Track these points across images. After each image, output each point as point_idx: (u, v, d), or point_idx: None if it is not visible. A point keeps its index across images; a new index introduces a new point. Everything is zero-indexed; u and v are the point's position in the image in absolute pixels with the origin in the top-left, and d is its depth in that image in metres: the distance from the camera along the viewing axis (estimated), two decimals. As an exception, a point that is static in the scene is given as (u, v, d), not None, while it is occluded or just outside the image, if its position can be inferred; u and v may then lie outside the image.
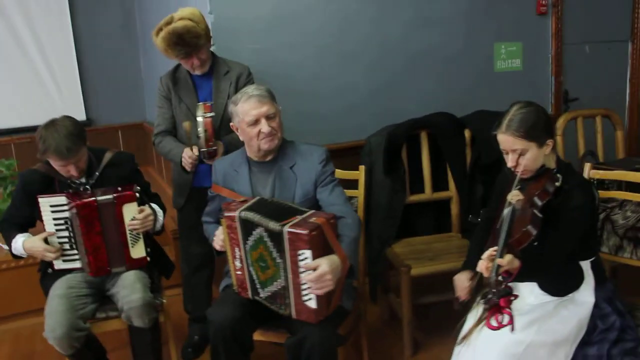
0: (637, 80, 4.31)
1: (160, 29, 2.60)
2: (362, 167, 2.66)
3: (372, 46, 3.51)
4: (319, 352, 1.95)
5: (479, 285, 2.07)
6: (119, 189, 2.41)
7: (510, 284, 1.89)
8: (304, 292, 1.96)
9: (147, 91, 5.36)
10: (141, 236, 2.46)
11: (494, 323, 1.85)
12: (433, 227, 3.22)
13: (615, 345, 1.94)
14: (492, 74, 3.85)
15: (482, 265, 1.87)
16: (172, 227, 3.53)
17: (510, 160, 2.00)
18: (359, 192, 2.64)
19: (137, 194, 2.43)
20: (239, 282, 2.13)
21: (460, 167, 3.10)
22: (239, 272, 2.11)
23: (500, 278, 1.83)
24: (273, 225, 1.94)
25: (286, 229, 1.90)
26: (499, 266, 1.82)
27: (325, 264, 1.90)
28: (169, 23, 2.58)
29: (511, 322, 1.81)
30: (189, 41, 2.57)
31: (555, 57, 4.00)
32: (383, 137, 3.01)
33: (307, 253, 1.90)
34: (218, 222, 2.33)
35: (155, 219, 2.49)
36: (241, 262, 2.08)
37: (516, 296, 1.85)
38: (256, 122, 2.19)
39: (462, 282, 2.15)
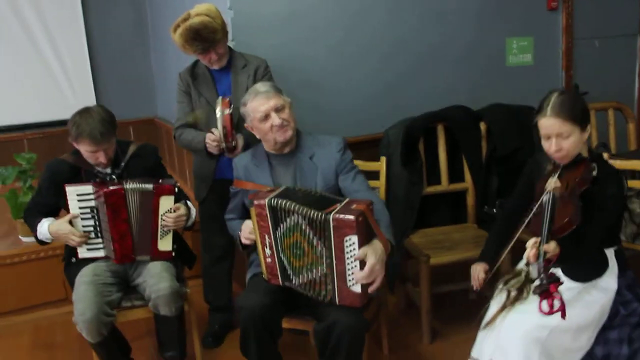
0: (646, 74, 4.36)
1: (178, 26, 2.63)
2: (383, 158, 2.70)
3: (386, 39, 3.54)
4: (349, 337, 1.98)
5: (498, 273, 2.12)
6: (160, 180, 2.45)
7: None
8: (349, 278, 1.98)
9: (158, 86, 5.39)
10: (171, 231, 2.50)
11: (545, 308, 1.87)
12: (449, 218, 3.25)
13: (636, 329, 1.98)
14: (504, 68, 3.89)
15: (530, 253, 1.90)
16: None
17: (553, 145, 1.98)
18: (380, 183, 2.68)
19: (176, 189, 2.46)
20: (269, 270, 2.16)
21: (476, 159, 3.14)
22: (268, 260, 2.14)
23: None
24: (314, 213, 1.96)
25: (332, 215, 1.92)
26: (545, 252, 1.86)
27: (371, 255, 1.94)
28: (186, 19, 2.62)
29: (562, 307, 1.85)
30: (206, 36, 2.60)
31: (566, 51, 4.04)
32: (401, 130, 3.04)
33: (354, 239, 1.92)
34: (241, 218, 2.37)
35: (188, 218, 2.53)
36: (271, 249, 2.11)
37: (562, 282, 1.88)
38: (266, 116, 2.24)
39: (478, 272, 2.20)
